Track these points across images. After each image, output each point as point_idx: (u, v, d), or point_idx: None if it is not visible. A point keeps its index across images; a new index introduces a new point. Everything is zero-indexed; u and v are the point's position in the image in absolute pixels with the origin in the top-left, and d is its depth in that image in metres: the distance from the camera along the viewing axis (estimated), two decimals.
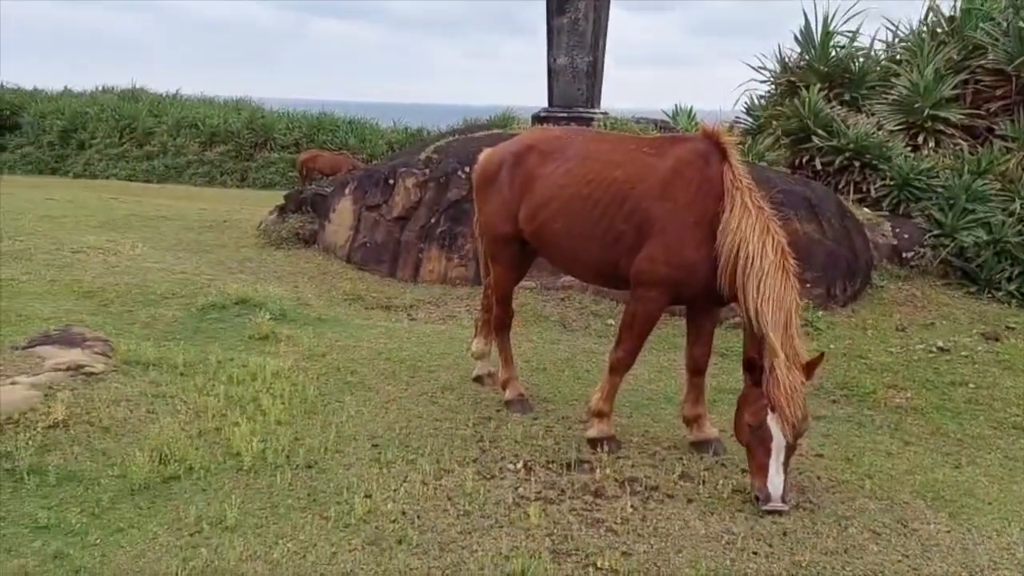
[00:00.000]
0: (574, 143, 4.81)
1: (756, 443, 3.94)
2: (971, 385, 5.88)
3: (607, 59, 9.61)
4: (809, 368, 3.93)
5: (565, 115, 9.14)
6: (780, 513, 3.89)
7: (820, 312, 7.10)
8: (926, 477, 4.51)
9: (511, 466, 4.35)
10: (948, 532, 3.92)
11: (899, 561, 3.63)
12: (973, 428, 5.26)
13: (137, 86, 24.35)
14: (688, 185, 4.29)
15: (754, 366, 3.99)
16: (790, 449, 3.91)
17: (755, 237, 4.01)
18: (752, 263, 3.98)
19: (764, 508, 3.89)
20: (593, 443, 4.61)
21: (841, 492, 4.26)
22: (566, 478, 4.25)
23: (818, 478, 4.41)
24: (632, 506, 3.98)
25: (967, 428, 5.26)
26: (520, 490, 4.10)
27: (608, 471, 4.31)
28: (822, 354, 4.05)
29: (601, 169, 4.56)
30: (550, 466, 4.38)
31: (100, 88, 24.54)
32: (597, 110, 9.29)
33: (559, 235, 4.72)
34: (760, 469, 3.92)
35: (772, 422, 3.85)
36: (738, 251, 4.03)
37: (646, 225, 4.34)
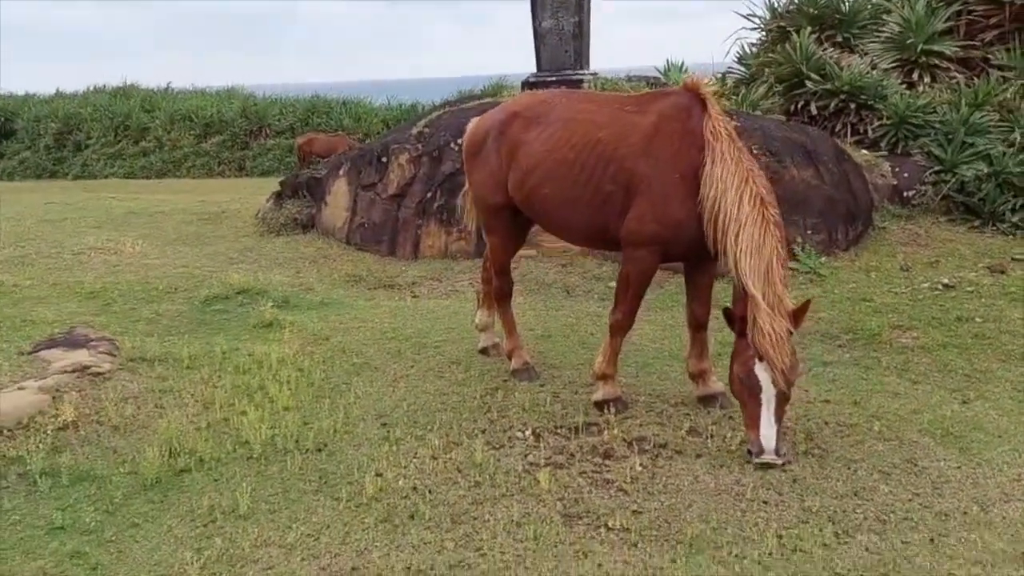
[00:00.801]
0: (557, 107, 4.77)
1: (747, 395, 3.94)
2: (978, 320, 5.84)
3: (595, 19, 9.48)
4: (796, 315, 3.90)
5: (555, 79, 9.02)
6: (773, 466, 3.87)
7: (823, 258, 7.05)
8: (934, 415, 4.50)
9: (520, 434, 4.37)
10: (958, 468, 3.92)
11: (910, 500, 3.64)
12: (981, 362, 5.23)
13: (128, 83, 24.21)
14: (671, 140, 4.24)
15: (732, 318, 3.98)
16: (782, 398, 3.88)
17: (733, 188, 3.97)
18: (730, 215, 3.95)
19: (756, 461, 3.90)
20: (600, 405, 4.62)
21: (849, 436, 4.27)
22: (575, 442, 4.27)
23: (826, 423, 4.41)
24: (641, 465, 4.00)
25: (975, 363, 5.23)
26: (530, 457, 4.12)
27: (616, 432, 4.33)
28: (808, 301, 4.01)
29: (585, 131, 4.53)
30: (559, 431, 4.40)
31: (91, 88, 24.41)
32: (586, 71, 9.17)
33: (548, 201, 4.70)
34: (752, 421, 3.92)
35: (761, 372, 3.85)
36: (718, 203, 4.00)
37: (632, 184, 4.31)
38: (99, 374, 4.89)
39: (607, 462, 4.07)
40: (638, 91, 7.17)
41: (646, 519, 3.55)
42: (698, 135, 4.16)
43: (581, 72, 9.09)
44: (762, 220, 3.93)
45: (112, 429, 4.38)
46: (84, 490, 3.82)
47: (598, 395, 4.67)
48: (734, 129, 4.24)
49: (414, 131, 8.78)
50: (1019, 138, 7.86)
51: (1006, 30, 8.79)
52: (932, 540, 3.33)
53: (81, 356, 5.04)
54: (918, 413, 4.53)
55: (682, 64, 10.34)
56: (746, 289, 3.89)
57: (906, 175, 8.05)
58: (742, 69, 10.22)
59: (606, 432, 4.34)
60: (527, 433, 4.38)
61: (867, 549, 3.28)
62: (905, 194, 7.96)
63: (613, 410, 4.56)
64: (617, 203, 4.41)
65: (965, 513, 3.53)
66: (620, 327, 4.62)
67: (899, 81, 8.75)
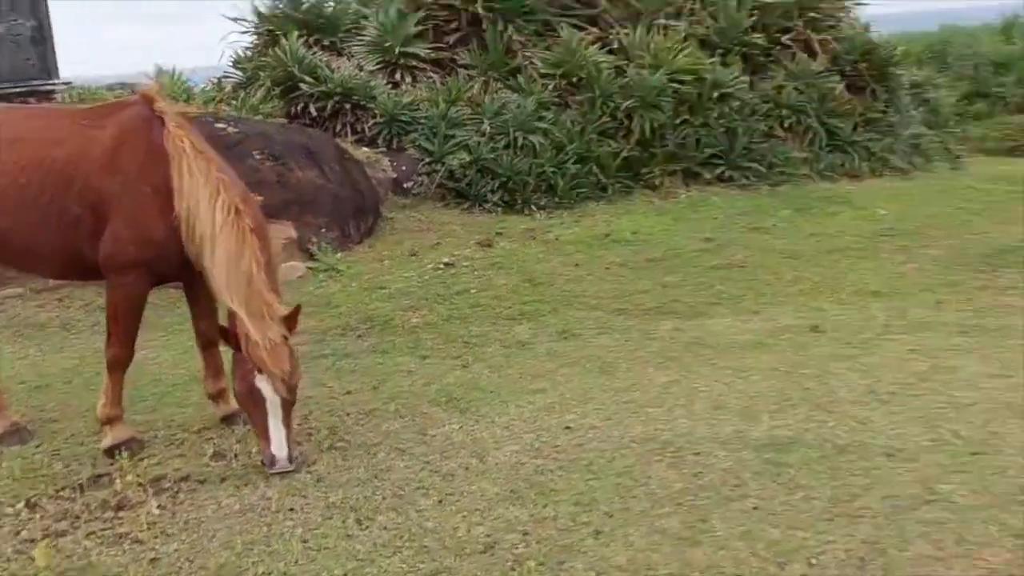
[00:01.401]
0: (0, 127, 4.15)
1: (252, 408, 3.89)
2: (473, 290, 6.60)
3: (79, 20, 8.47)
4: (289, 320, 3.93)
5: (20, 90, 7.89)
6: (290, 473, 3.87)
7: (339, 254, 7.32)
8: (441, 384, 4.94)
9: (9, 510, 3.73)
10: (460, 428, 4.34)
11: (421, 469, 3.92)
12: (477, 328, 5.90)
13: None
14: (135, 154, 3.98)
15: (226, 335, 3.92)
16: (287, 405, 3.90)
17: (205, 201, 3.86)
18: (204, 230, 3.85)
19: (272, 472, 3.88)
20: (110, 452, 4.17)
21: (370, 421, 4.47)
22: (80, 502, 3.77)
23: (348, 414, 4.56)
24: (159, 507, 3.69)
25: (472, 329, 5.88)
26: (22, 534, 3.54)
27: (130, 478, 3.93)
28: (298, 306, 4.04)
29: (36, 151, 4.03)
30: (60, 494, 3.85)
31: None
32: (58, 81, 8.20)
33: (10, 234, 4.10)
34: (263, 434, 3.89)
35: (262, 383, 3.82)
36: (192, 219, 3.87)
37: (101, 204, 3.96)
38: None
39: (120, 514, 3.67)
40: (102, 101, 6.60)
41: (164, 565, 3.28)
42: (163, 148, 3.94)
43: (51, 82, 8.10)
44: (237, 230, 3.85)
45: None
46: None
47: (107, 441, 4.21)
48: (199, 138, 4.08)
49: None
50: (488, 128, 9.06)
51: (465, 33, 10.02)
52: (440, 501, 3.64)
53: None
54: (428, 385, 4.93)
55: (174, 70, 9.84)
56: (228, 304, 3.80)
57: (404, 168, 8.77)
58: (238, 73, 10.08)
59: (119, 481, 3.92)
60: (19, 506, 3.75)
61: (385, 528, 3.45)
62: (405, 185, 8.67)
63: (126, 454, 4.14)
64: (88, 226, 4.00)
65: (467, 468, 3.92)
66: (119, 362, 4.22)
67: (385, 81, 9.45)
